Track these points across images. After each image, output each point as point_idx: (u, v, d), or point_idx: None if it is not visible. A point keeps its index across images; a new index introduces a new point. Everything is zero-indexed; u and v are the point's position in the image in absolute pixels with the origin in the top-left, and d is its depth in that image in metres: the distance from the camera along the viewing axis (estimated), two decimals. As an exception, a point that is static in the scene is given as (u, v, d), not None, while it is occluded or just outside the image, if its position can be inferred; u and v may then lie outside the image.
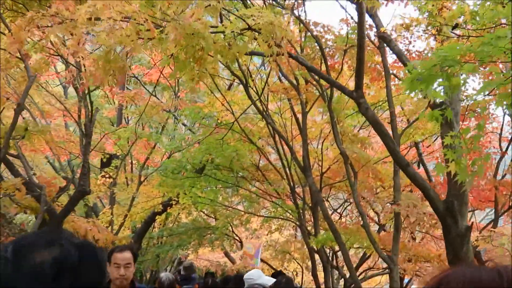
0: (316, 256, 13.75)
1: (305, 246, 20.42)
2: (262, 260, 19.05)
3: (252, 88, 11.22)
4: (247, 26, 5.66)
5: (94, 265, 1.53)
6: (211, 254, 24.69)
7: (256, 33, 5.67)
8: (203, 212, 19.09)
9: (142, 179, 13.80)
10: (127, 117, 15.96)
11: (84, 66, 6.53)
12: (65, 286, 1.43)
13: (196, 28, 5.20)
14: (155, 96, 14.96)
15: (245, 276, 6.61)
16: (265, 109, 12.37)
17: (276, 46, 5.69)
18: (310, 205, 12.92)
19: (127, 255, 4.48)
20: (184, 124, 15.36)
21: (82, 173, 8.57)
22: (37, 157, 13.63)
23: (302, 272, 19.94)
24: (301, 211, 12.95)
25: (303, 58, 7.46)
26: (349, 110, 12.13)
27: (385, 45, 9.48)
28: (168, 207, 15.20)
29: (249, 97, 10.80)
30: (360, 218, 15.92)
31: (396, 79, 10.54)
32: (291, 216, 14.71)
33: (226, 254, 22.57)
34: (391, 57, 10.94)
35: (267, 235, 21.15)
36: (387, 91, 9.48)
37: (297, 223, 13.72)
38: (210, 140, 12.69)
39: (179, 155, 12.71)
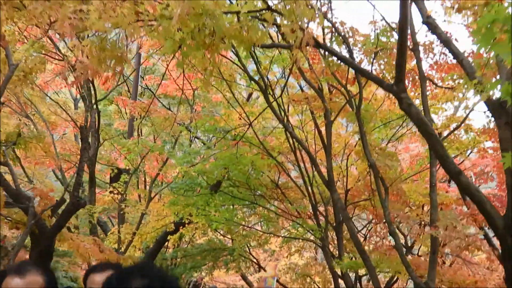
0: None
1: (327, 270, 19.46)
2: (281, 284, 17.93)
3: (271, 95, 10.28)
4: (266, 6, 4.75)
5: None
6: (228, 277, 23.63)
7: (277, 15, 4.76)
8: (219, 233, 18.10)
9: (152, 195, 12.89)
10: (140, 129, 15.10)
11: (77, 58, 5.64)
12: None
13: (205, 5, 4.30)
14: (169, 109, 14.12)
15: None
16: (285, 119, 11.46)
17: (300, 30, 4.77)
18: (334, 224, 11.89)
19: None
20: (197, 138, 14.44)
21: (76, 183, 7.67)
22: (42, 171, 12.86)
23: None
24: (323, 231, 11.92)
25: (332, 48, 6.52)
26: (377, 122, 11.13)
27: (420, 47, 8.55)
28: (181, 227, 14.25)
29: (269, 103, 9.88)
30: (384, 241, 14.87)
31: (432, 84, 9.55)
32: (312, 237, 13.66)
33: (243, 277, 21.48)
34: (425, 62, 9.99)
35: (287, 257, 20.05)
36: (422, 98, 8.51)
37: (319, 244, 12.66)
38: (226, 155, 11.76)
39: (192, 170, 11.78)
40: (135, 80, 14.20)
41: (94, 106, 10.59)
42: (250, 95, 14.05)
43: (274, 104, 11.71)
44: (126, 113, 14.80)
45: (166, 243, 20.52)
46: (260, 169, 12.09)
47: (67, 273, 21.38)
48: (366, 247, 15.00)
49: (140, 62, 14.38)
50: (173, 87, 14.89)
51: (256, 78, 10.64)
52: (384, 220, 9.69)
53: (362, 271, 14.95)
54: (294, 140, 11.95)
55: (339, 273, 12.07)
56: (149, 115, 13.21)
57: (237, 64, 10.78)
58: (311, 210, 16.45)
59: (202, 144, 15.28)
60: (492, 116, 6.79)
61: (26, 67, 6.99)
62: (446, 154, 5.89)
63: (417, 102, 10.13)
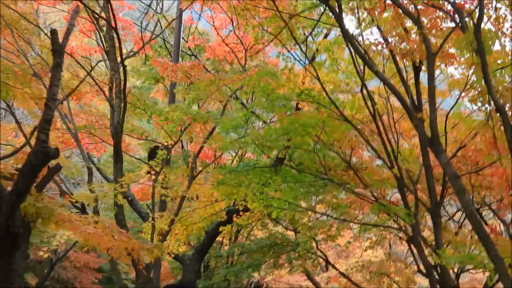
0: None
1: (407, 269, 16.60)
2: (354, 283, 15.25)
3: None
4: None
5: None
6: (291, 277, 21.09)
7: None
8: (281, 224, 15.61)
9: (196, 173, 10.50)
10: (183, 99, 12.72)
11: None
12: None
13: None
14: (217, 72, 11.73)
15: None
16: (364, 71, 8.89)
17: None
18: (429, 207, 9.16)
19: None
20: (243, 104, 11.89)
21: (43, 120, 5.28)
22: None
23: (408, 300, 15.91)
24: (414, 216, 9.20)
25: None
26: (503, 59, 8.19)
27: None
28: (235, 216, 11.83)
29: (345, 35, 7.29)
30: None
31: None
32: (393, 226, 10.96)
33: (309, 277, 18.88)
34: None
35: (362, 254, 17.33)
36: None
37: (407, 232, 9.95)
38: (288, 120, 9.24)
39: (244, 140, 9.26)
40: (176, 39, 11.87)
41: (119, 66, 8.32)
42: (314, 56, 11.43)
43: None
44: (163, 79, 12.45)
45: (221, 238, 18.24)
46: (330, 140, 9.50)
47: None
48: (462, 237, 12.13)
49: (182, 20, 12.07)
50: (222, 50, 12.52)
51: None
52: None
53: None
54: (372, 103, 9.37)
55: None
56: (192, 81, 10.86)
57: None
58: (391, 195, 13.76)
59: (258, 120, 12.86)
60: None
61: None
62: None
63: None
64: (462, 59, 8.94)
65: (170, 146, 9.96)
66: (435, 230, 9.00)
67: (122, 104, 8.59)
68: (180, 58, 12.36)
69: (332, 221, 13.40)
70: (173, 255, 12.86)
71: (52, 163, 5.98)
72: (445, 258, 7.99)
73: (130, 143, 12.27)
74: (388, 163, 9.51)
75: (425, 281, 21.94)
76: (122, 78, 8.66)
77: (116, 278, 9.37)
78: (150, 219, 9.33)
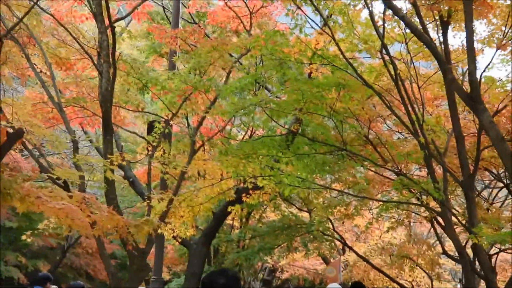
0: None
1: (430, 250, 15.54)
2: (375, 267, 14.26)
3: None
4: None
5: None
6: (307, 261, 20.21)
7: None
8: (294, 205, 14.64)
9: (197, 146, 9.48)
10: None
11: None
12: None
13: None
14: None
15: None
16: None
17: None
18: (461, 180, 8.10)
19: None
20: (259, 84, 10.88)
21: None
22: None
23: (432, 283, 14.90)
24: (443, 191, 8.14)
25: None
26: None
27: None
28: (244, 195, 10.86)
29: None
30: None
31: None
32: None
33: (325, 260, 17.95)
34: None
35: (381, 235, 16.35)
36: None
37: (435, 209, 8.91)
38: (300, 86, 8.19)
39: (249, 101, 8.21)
40: (175, 4, 10.79)
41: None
42: (326, 22, 10.31)
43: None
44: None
45: (231, 221, 17.32)
46: (348, 106, 8.46)
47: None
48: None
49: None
50: (224, 15, 11.46)
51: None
52: None
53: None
54: (394, 66, 8.29)
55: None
56: (192, 49, 9.84)
57: None
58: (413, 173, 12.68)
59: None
60: None
61: None
62: None
63: None
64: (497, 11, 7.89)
65: (169, 119, 8.96)
66: (468, 205, 7.97)
67: (112, 70, 7.61)
68: (180, 27, 11.33)
69: (350, 199, 12.36)
70: (180, 240, 11.99)
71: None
72: (484, 237, 6.96)
73: (126, 117, 11.29)
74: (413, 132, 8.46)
75: (448, 263, 20.98)
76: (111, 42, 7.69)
77: (104, 264, 8.43)
78: (157, 200, 8.38)
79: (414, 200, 10.38)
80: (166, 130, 8.99)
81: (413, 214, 14.18)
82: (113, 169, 7.58)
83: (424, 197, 9.63)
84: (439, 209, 8.85)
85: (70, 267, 22.65)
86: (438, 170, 9.99)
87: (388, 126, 12.76)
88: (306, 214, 16.03)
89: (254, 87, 9.56)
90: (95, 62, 8.23)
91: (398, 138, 12.47)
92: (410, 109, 8.40)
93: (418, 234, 20.01)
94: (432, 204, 10.24)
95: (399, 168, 11.48)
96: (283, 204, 14.97)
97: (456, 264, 19.02)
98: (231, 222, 17.30)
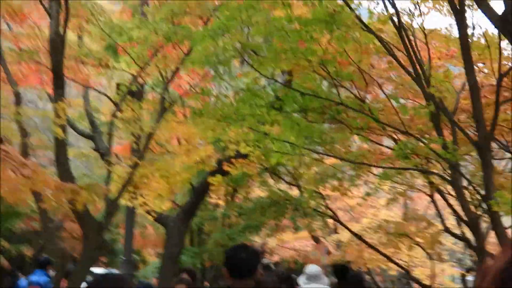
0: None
1: (430, 228, 14.48)
2: (370, 246, 13.20)
3: None
4: None
5: None
6: (297, 242, 19.10)
7: None
8: (283, 180, 13.47)
9: (167, 105, 8.26)
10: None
11: None
12: None
13: None
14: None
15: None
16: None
17: None
18: (477, 141, 6.94)
19: None
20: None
21: None
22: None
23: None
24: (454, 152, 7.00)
25: None
26: None
27: None
28: (226, 164, 9.67)
29: None
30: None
31: None
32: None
33: (316, 240, 16.91)
34: None
35: (376, 213, 15.28)
36: None
37: (445, 175, 7.78)
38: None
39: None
40: None
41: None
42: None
43: None
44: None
45: (216, 200, 16.16)
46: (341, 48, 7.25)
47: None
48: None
49: None
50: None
51: None
52: None
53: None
54: (397, 11, 7.12)
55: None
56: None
57: None
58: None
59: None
60: None
61: None
62: None
63: None
64: None
65: (137, 75, 7.73)
66: (484, 169, 6.83)
67: (64, 12, 6.37)
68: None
69: (345, 171, 11.24)
70: (155, 216, 10.82)
71: None
72: (505, 204, 5.86)
73: (91, 74, 9.98)
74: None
75: (446, 242, 19.97)
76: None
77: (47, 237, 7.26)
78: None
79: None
80: (133, 87, 7.77)
81: (410, 189, 13.11)
82: (64, 126, 6.37)
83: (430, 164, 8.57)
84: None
85: (55, 252, 21.70)
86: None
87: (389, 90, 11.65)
88: (296, 192, 14.95)
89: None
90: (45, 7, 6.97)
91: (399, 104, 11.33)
92: (414, 59, 7.25)
93: (414, 211, 19.00)
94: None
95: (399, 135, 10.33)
96: (271, 180, 13.84)
97: (456, 243, 17.97)
98: (215, 200, 16.17)
